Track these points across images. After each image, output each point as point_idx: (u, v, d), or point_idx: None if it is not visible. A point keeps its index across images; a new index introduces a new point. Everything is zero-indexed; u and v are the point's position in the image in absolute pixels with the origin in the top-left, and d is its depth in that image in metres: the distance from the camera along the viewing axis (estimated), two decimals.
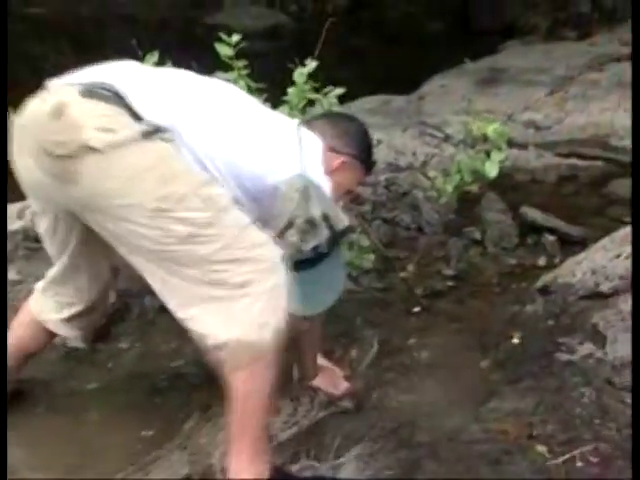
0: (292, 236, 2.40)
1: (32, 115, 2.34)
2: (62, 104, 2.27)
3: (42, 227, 2.61)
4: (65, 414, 2.90)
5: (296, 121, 2.71)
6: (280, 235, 2.40)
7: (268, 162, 2.43)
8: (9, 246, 3.39)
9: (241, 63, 3.51)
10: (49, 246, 2.65)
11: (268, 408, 2.41)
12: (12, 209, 3.57)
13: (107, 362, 3.20)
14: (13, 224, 3.48)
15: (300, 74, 3.52)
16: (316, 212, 2.41)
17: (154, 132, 2.28)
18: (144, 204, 2.24)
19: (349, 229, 2.61)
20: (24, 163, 2.37)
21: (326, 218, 2.43)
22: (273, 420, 2.69)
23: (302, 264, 2.43)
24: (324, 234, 2.43)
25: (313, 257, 2.45)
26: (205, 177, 2.33)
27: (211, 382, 2.88)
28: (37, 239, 3.38)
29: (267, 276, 2.30)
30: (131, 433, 2.79)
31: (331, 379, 2.93)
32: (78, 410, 2.93)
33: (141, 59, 3.31)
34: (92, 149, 2.22)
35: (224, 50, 3.48)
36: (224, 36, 3.48)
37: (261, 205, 2.45)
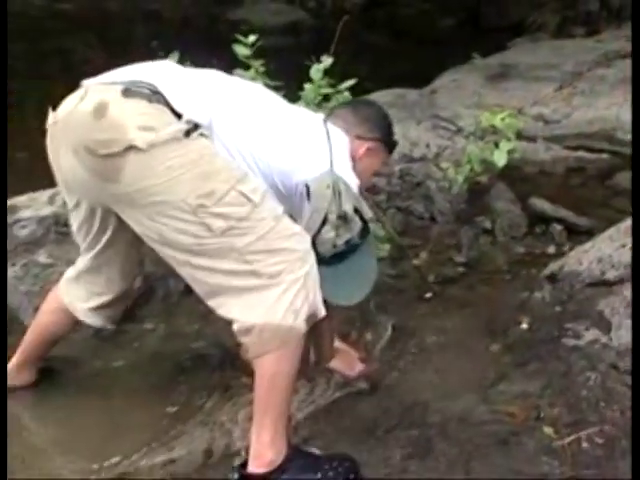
0: (328, 232, 2.41)
1: (72, 113, 2.32)
2: (104, 103, 2.26)
3: (76, 221, 2.60)
4: (93, 391, 2.91)
5: (321, 116, 2.70)
6: (318, 232, 2.40)
7: (297, 160, 2.43)
8: (41, 230, 3.40)
9: (258, 62, 3.50)
10: (81, 239, 2.64)
11: (292, 389, 2.41)
12: (43, 196, 3.58)
13: (133, 342, 3.20)
14: (44, 209, 3.48)
15: (316, 70, 3.51)
16: (348, 207, 2.42)
17: (194, 129, 2.27)
18: (186, 200, 2.23)
19: (372, 220, 2.64)
20: (63, 159, 2.36)
21: (357, 211, 2.44)
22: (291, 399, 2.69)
23: (334, 257, 2.45)
24: (357, 227, 2.45)
25: (345, 250, 2.46)
26: (241, 172, 2.33)
27: (232, 363, 2.91)
28: (67, 224, 3.40)
29: (299, 265, 2.30)
30: (155, 410, 2.79)
31: (347, 361, 2.90)
32: (105, 388, 2.94)
33: (162, 59, 3.31)
34: (135, 148, 2.20)
35: (241, 50, 3.47)
36: (241, 37, 3.47)
37: (290, 202, 2.45)
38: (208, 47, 3.59)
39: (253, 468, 2.35)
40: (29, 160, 5.07)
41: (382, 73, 7.20)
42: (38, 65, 8.56)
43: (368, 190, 3.93)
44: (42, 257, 3.32)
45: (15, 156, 5.17)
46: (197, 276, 2.35)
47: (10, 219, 3.46)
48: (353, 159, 2.59)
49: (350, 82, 3.51)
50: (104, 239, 2.57)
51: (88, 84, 2.39)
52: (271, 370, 2.31)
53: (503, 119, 3.40)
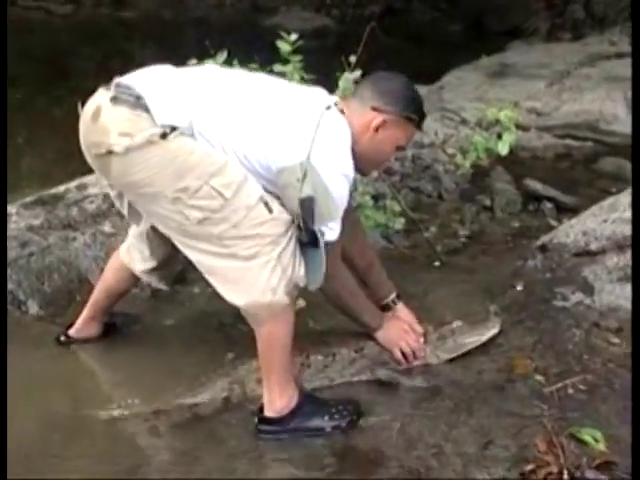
0: (298, 218, 2.25)
1: (83, 115, 2.31)
2: (99, 108, 2.25)
3: (112, 197, 2.62)
4: (147, 343, 2.90)
5: (328, 102, 2.37)
6: (298, 217, 2.24)
7: (273, 152, 2.25)
8: (106, 205, 3.40)
9: (297, 58, 3.43)
10: (122, 211, 2.65)
11: (289, 348, 2.37)
12: None
13: (184, 302, 3.20)
14: (108, 187, 3.48)
15: (345, 80, 3.41)
16: (300, 197, 2.21)
17: (170, 132, 2.19)
18: (165, 194, 2.21)
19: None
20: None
21: (302, 205, 2.22)
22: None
23: (310, 244, 2.30)
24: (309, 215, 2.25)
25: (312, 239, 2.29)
26: (216, 167, 2.22)
27: None
28: None
29: (271, 248, 2.23)
30: (191, 360, 2.77)
31: (396, 335, 2.63)
32: (158, 341, 2.93)
33: (213, 56, 3.28)
34: (114, 152, 2.20)
35: (284, 47, 3.39)
36: (284, 34, 3.40)
37: (275, 187, 2.30)
38: (249, 47, 3.55)
39: (268, 413, 2.37)
40: None
41: (397, 70, 7.12)
42: (102, 65, 8.57)
43: (384, 172, 3.92)
44: (107, 227, 3.33)
45: None
46: (191, 255, 2.34)
47: (80, 195, 3.47)
48: (368, 130, 2.36)
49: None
50: (137, 215, 2.57)
51: (100, 87, 2.33)
52: (267, 336, 2.32)
53: (506, 114, 3.34)
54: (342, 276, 2.49)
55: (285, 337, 2.33)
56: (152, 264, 2.70)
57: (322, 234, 2.27)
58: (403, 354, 2.61)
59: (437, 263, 3.47)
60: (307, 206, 2.21)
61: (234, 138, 2.24)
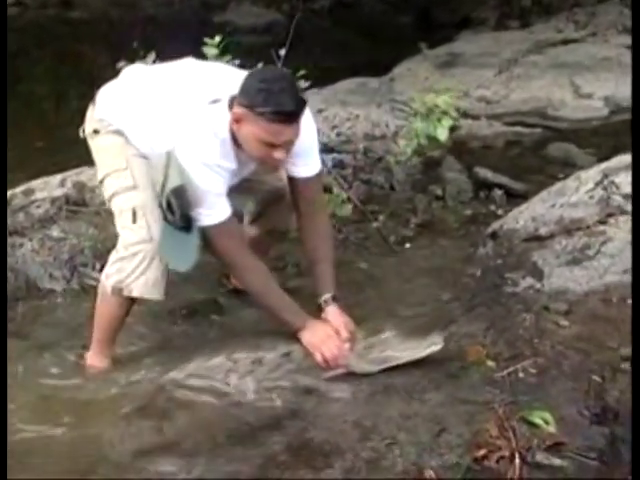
0: (163, 201, 2.40)
1: None
2: None
3: None
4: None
5: (226, 93, 2.42)
6: (159, 198, 2.42)
7: (154, 140, 2.50)
8: (53, 209, 3.37)
9: (226, 58, 3.48)
10: None
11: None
12: (55, 179, 3.55)
13: None
14: (56, 191, 3.45)
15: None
16: (170, 187, 2.36)
17: (100, 130, 2.59)
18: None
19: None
20: None
21: (175, 194, 2.36)
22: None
23: (184, 228, 2.41)
24: (177, 206, 2.36)
25: (183, 225, 2.40)
26: (113, 168, 2.56)
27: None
28: (77, 203, 3.39)
29: (123, 252, 2.53)
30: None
31: (318, 339, 2.50)
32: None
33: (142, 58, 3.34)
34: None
35: (210, 51, 3.46)
36: (208, 39, 3.46)
37: None
38: (197, 45, 3.55)
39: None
40: (46, 149, 5.03)
41: (347, 64, 7.12)
42: (52, 67, 8.45)
43: (336, 166, 3.92)
44: (55, 232, 3.29)
45: (34, 145, 5.12)
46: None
47: (26, 200, 3.42)
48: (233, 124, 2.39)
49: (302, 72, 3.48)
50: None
51: None
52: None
53: (444, 99, 3.38)
54: (251, 268, 2.54)
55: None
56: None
57: (196, 219, 2.42)
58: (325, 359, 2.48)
59: (389, 253, 3.47)
60: (179, 194, 2.35)
61: (140, 131, 2.54)
